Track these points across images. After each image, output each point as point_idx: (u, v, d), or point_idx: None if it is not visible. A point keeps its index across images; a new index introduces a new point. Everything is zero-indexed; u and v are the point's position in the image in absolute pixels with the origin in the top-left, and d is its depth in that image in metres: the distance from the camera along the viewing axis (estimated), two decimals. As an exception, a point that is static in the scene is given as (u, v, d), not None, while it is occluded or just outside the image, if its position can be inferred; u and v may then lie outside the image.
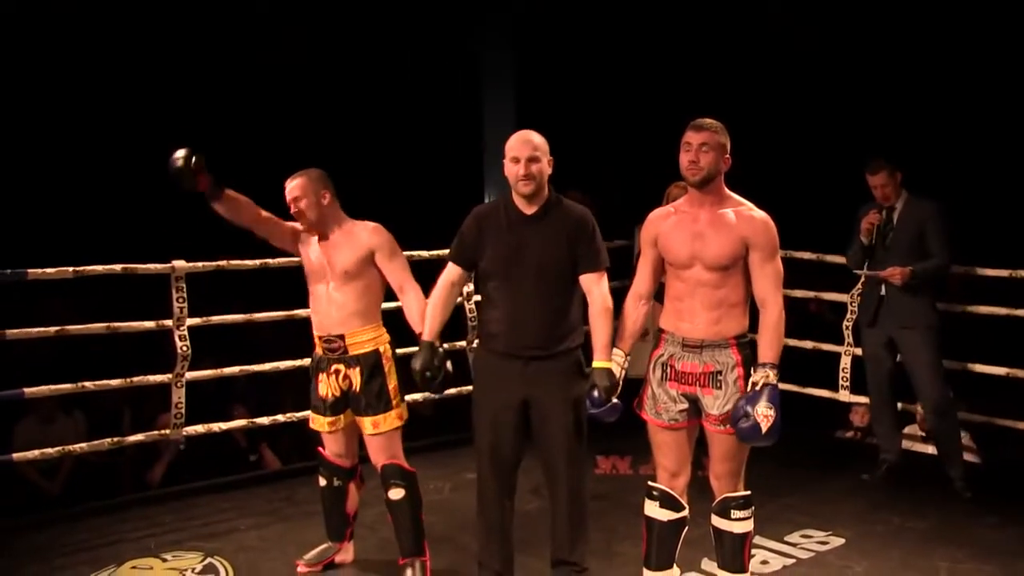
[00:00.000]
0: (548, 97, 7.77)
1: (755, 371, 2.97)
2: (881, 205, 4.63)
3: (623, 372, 3.16)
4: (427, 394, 3.41)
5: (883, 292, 4.64)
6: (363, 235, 3.46)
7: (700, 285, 3.02)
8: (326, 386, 3.52)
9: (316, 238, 3.50)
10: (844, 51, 8.42)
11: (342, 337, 3.45)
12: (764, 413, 2.87)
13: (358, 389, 3.48)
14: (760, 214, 3.02)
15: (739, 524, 3.11)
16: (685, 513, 3.18)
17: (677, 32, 8.56)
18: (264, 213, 3.47)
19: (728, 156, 3.01)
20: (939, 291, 4.73)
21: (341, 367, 3.48)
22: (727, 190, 3.05)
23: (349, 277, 3.43)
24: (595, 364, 3.15)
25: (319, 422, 3.58)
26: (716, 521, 3.14)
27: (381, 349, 3.50)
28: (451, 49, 8.61)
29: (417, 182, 9.13)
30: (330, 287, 3.46)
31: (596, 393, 3.10)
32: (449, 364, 3.31)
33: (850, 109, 8.48)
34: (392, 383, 3.50)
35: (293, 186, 3.44)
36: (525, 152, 3.14)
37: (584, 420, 3.27)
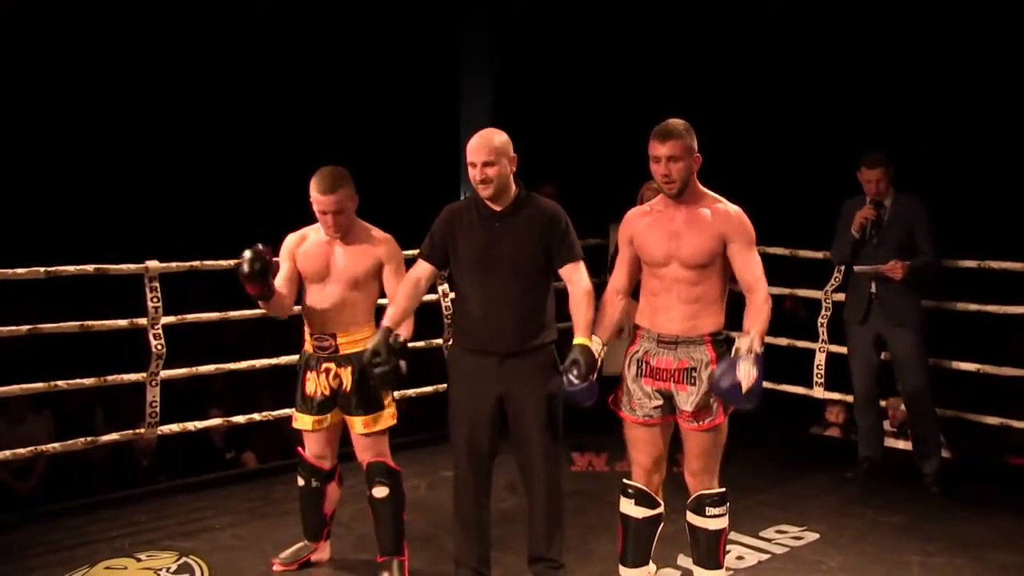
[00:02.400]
0: (525, 93, 7.78)
1: (739, 338, 2.94)
2: (873, 200, 4.57)
3: (600, 360, 3.16)
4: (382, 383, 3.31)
5: (873, 289, 4.60)
6: (376, 246, 3.42)
7: (677, 282, 3.04)
8: (314, 384, 3.48)
9: (319, 237, 3.44)
10: (817, 47, 8.48)
11: (334, 336, 3.44)
12: (746, 371, 2.83)
13: (349, 389, 3.45)
14: (734, 208, 3.05)
15: (714, 521, 3.12)
16: (660, 510, 3.19)
17: (654, 27, 8.59)
18: (289, 292, 3.47)
19: (698, 155, 3.02)
20: (929, 289, 4.71)
21: (332, 366, 3.46)
22: (700, 187, 3.07)
23: (356, 285, 3.42)
24: (576, 341, 3.11)
25: (303, 421, 3.54)
26: (691, 518, 3.16)
27: None
28: (430, 43, 8.60)
29: (393, 176, 9.13)
30: (329, 287, 3.43)
31: (575, 370, 3.02)
32: (404, 364, 3.22)
33: (823, 104, 8.53)
34: None
35: (333, 199, 3.31)
36: (480, 157, 3.14)
37: (560, 416, 3.29)
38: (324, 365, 3.47)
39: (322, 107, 9.28)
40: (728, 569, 3.53)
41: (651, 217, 3.10)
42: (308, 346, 3.52)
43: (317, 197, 3.34)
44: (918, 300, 4.61)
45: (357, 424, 3.48)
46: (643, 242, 3.09)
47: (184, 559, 3.77)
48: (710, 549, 3.14)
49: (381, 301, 3.55)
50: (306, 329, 3.53)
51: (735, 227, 3.01)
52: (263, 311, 4.63)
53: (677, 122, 3.02)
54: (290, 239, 3.52)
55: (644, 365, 3.10)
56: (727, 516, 3.15)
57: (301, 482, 3.65)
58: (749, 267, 3.02)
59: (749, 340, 2.92)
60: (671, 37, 8.60)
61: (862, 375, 4.77)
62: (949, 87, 7.99)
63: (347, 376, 3.45)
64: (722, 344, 3.07)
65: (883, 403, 5.05)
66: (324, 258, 3.43)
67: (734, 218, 3.02)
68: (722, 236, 3.00)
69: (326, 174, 3.36)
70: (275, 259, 3.36)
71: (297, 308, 3.57)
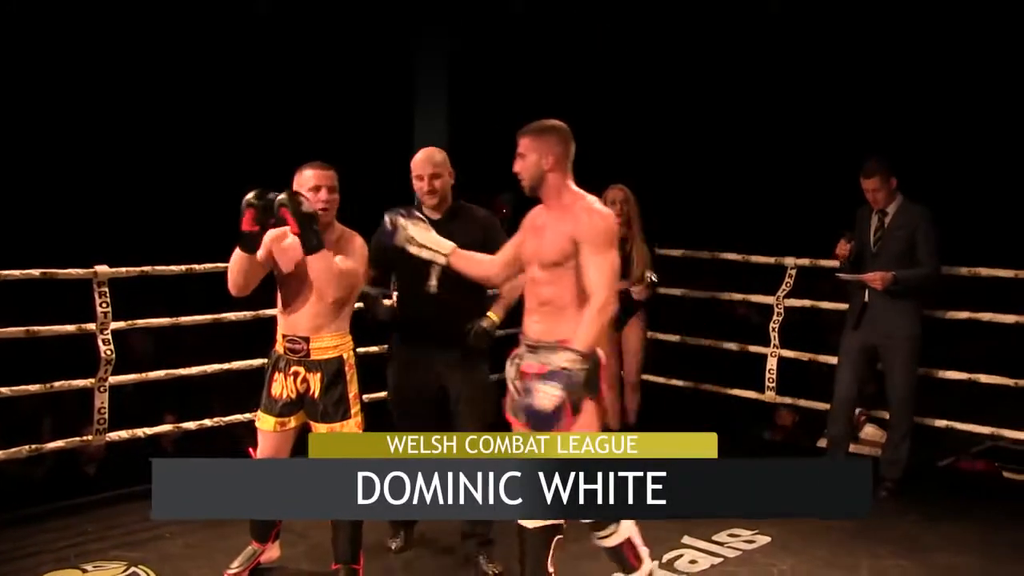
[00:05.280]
0: (480, 102, 7.79)
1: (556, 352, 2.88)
2: (875, 209, 4.56)
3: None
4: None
5: (866, 298, 4.59)
6: (340, 244, 3.36)
7: (534, 283, 3.03)
8: (281, 386, 3.42)
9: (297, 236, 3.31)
10: (773, 56, 8.57)
11: (307, 340, 3.38)
12: (547, 392, 2.76)
13: (316, 395, 3.40)
14: (595, 209, 2.95)
15: (606, 540, 3.08)
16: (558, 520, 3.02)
17: (610, 38, 8.64)
18: (256, 275, 3.37)
19: (552, 157, 2.96)
20: (927, 300, 4.68)
21: (301, 370, 3.40)
22: (573, 188, 3.01)
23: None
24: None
25: (266, 421, 3.46)
26: (591, 535, 3.12)
27: (344, 356, 3.43)
28: (383, 56, 8.57)
29: (347, 188, 9.08)
30: (304, 288, 3.34)
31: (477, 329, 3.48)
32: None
33: (782, 111, 8.63)
34: (352, 391, 3.44)
35: (332, 174, 3.37)
36: (428, 170, 3.57)
37: (487, 402, 3.57)
38: (293, 368, 3.41)
39: (276, 118, 9.22)
40: (680, 572, 3.66)
41: (531, 215, 3.12)
42: (279, 347, 3.46)
43: (316, 173, 3.35)
44: (912, 311, 4.55)
45: (322, 431, 3.41)
46: (523, 238, 3.12)
47: (133, 569, 3.71)
48: (619, 561, 3.13)
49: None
50: (278, 329, 3.47)
51: (588, 230, 2.90)
52: (215, 316, 4.64)
53: (546, 121, 3.01)
54: (269, 232, 3.37)
55: (517, 369, 3.07)
56: (619, 532, 3.07)
57: None
58: (591, 271, 2.90)
59: (569, 357, 2.82)
60: (625, 46, 8.66)
61: (845, 383, 4.74)
62: (928, 94, 8.11)
63: (316, 382, 3.40)
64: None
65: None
66: (302, 257, 3.32)
67: (588, 220, 2.91)
68: (574, 238, 2.92)
69: (320, 161, 3.41)
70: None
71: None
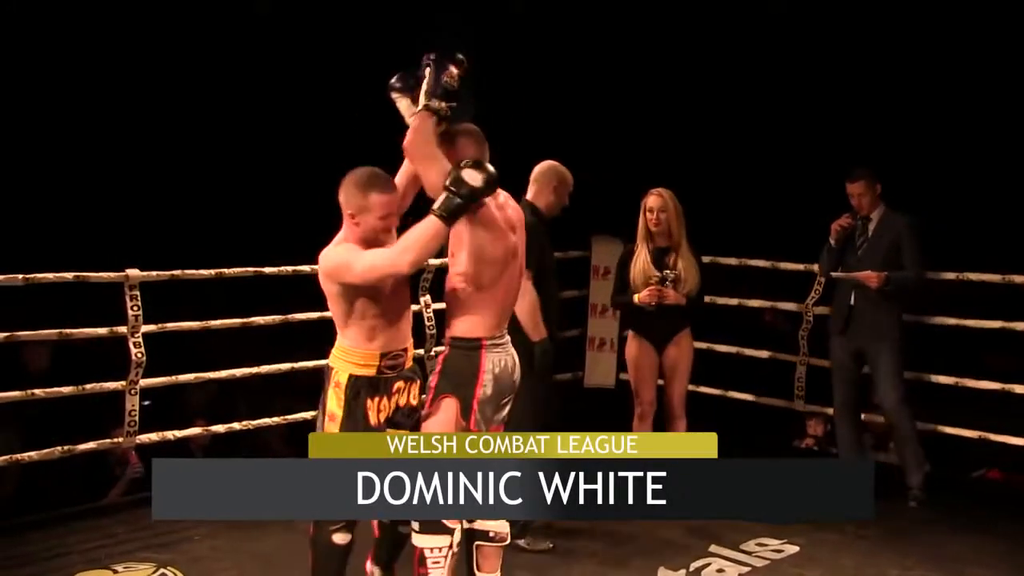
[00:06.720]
0: (506, 104, 7.79)
1: None
2: (856, 213, 4.65)
3: None
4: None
5: (852, 302, 4.64)
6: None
7: None
8: (379, 411, 3.03)
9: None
10: (803, 60, 8.52)
11: (405, 351, 3.10)
12: None
13: (415, 403, 3.11)
14: None
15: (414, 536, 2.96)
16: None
17: (635, 41, 8.62)
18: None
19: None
20: (909, 305, 4.74)
21: (401, 384, 3.09)
22: None
23: (409, 289, 3.16)
24: None
25: None
26: None
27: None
28: (406, 49, 8.61)
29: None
30: (400, 297, 3.08)
31: None
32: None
33: (806, 116, 8.57)
34: None
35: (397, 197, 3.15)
36: None
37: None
38: (396, 385, 3.07)
39: (302, 119, 9.27)
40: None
41: None
42: (363, 370, 3.02)
43: (381, 198, 2.97)
44: (897, 315, 4.63)
45: None
46: None
47: (162, 571, 3.74)
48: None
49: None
50: (364, 350, 3.02)
51: None
52: (244, 320, 4.66)
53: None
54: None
55: None
56: (428, 534, 2.91)
57: (341, 540, 3.01)
58: None
59: None
60: (653, 49, 8.63)
61: (840, 387, 4.80)
62: (936, 100, 8.05)
63: (414, 391, 3.12)
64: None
65: (866, 415, 5.05)
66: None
67: None
68: None
69: (378, 173, 3.02)
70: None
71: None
